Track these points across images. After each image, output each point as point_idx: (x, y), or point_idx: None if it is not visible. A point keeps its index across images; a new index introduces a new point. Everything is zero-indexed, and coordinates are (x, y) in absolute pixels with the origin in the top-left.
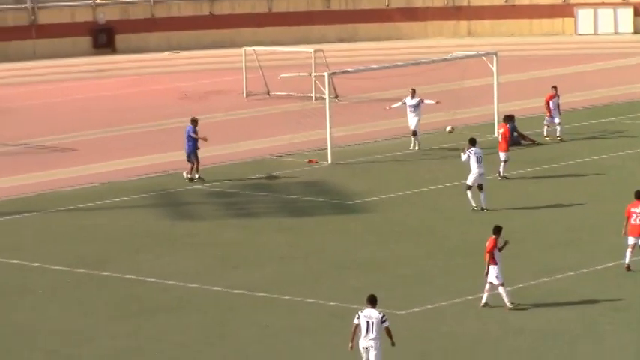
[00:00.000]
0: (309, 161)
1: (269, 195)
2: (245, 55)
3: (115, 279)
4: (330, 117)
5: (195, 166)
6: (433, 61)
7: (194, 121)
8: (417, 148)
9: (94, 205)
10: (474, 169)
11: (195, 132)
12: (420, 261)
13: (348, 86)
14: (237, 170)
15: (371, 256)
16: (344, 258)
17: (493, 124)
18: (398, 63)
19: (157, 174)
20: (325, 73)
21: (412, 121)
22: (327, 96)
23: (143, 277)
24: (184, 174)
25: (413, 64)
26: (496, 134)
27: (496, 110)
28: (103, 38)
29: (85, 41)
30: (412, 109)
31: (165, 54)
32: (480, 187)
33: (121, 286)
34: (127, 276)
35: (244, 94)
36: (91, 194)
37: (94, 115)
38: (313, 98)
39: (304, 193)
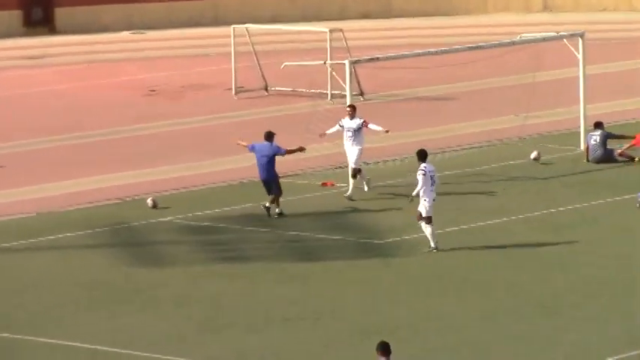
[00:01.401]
0: (324, 184)
1: (268, 230)
2: (234, 35)
3: (49, 347)
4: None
5: (277, 197)
6: (495, 46)
7: (271, 136)
8: (365, 188)
9: (26, 243)
10: (428, 194)
11: (281, 150)
12: (478, 324)
13: (378, 80)
14: (223, 196)
15: (407, 318)
16: (369, 320)
17: (578, 133)
18: (446, 48)
19: (113, 201)
20: (346, 61)
21: (351, 152)
22: (348, 93)
23: (88, 345)
24: (265, 204)
25: (467, 49)
26: (582, 147)
27: (582, 113)
28: (38, 13)
29: (13, 16)
30: (351, 134)
31: (125, 34)
32: (429, 219)
33: (57, 359)
34: (67, 343)
35: (233, 91)
36: (21, 228)
37: (24, 119)
38: (329, 96)
39: (316, 228)
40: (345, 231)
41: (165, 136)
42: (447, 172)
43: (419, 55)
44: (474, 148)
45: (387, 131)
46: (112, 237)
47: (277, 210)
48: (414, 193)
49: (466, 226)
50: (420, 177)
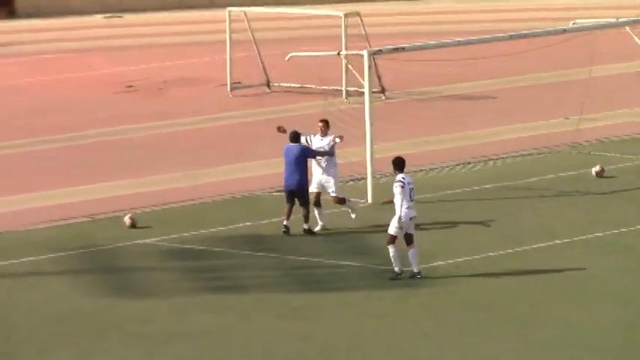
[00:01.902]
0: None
1: (268, 255)
2: (230, 20)
3: None
4: (372, 125)
5: (307, 211)
6: (543, 34)
7: (297, 137)
8: (353, 216)
9: None
10: (404, 209)
11: (310, 151)
12: None
13: (402, 74)
14: (214, 213)
15: (435, 359)
16: None
17: None
18: (483, 37)
19: (83, 219)
20: (364, 52)
21: (324, 179)
22: (366, 90)
23: None
24: (284, 222)
25: (509, 38)
26: None
27: None
28: None
29: None
30: (321, 157)
31: (98, 18)
32: (410, 239)
33: None
34: None
35: (228, 87)
36: None
37: None
38: (344, 94)
39: (328, 253)
40: (362, 256)
41: (146, 141)
42: (485, 186)
43: (452, 45)
44: (517, 157)
45: (340, 137)
46: (82, 262)
47: (306, 226)
48: (393, 202)
49: (510, 250)
50: (396, 189)
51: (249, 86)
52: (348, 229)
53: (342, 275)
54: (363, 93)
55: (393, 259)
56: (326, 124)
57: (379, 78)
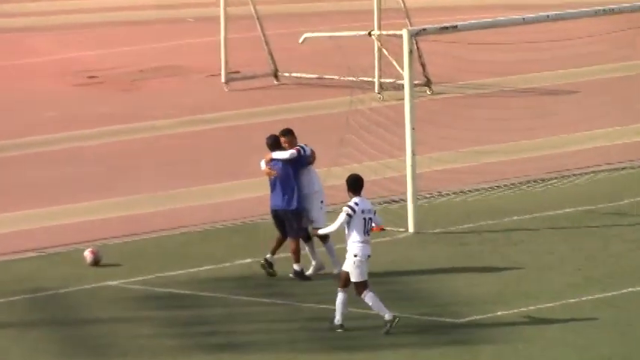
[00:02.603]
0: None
1: (275, 301)
2: None
3: None
4: (413, 130)
5: (297, 245)
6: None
7: (276, 142)
8: (335, 271)
9: None
10: (357, 244)
11: (305, 154)
12: None
13: (453, 61)
14: (202, 247)
15: None
16: None
17: None
18: (559, 12)
19: (29, 254)
20: (404, 32)
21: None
22: (406, 82)
23: None
24: (267, 256)
25: (594, 14)
26: None
27: None
28: None
29: None
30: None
31: None
32: (345, 282)
33: None
34: None
35: (222, 78)
36: None
37: None
38: (376, 87)
39: (356, 300)
40: (400, 303)
41: (112, 150)
42: (564, 210)
43: (518, 23)
44: (604, 171)
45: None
46: (28, 311)
47: (296, 267)
48: (322, 232)
49: (597, 295)
50: (341, 216)
51: (251, 77)
52: (382, 269)
53: (375, 329)
54: (401, 86)
55: (340, 307)
56: (289, 134)
57: (423, 66)
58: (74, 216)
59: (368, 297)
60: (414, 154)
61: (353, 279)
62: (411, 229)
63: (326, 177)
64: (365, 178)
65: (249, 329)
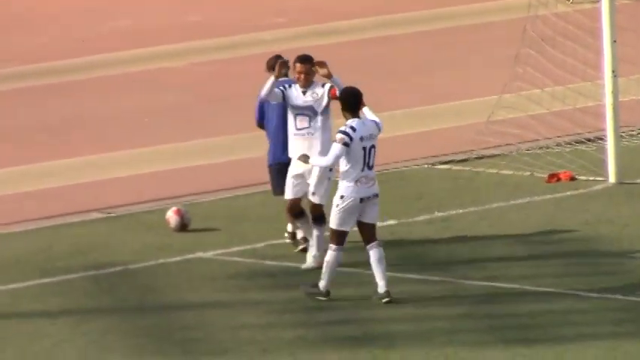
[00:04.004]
0: (551, 177)
1: (436, 280)
2: None
3: None
4: (615, 43)
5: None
6: None
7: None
8: (309, 262)
9: None
10: (349, 182)
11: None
12: None
13: None
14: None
15: None
16: None
17: None
18: None
19: (86, 215)
20: None
21: (303, 166)
22: None
23: None
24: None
25: None
26: None
27: None
28: None
29: None
30: (307, 124)
31: None
32: (372, 233)
33: None
34: None
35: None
36: None
37: None
38: None
39: (530, 277)
40: (598, 278)
41: (204, 74)
42: None
43: None
44: None
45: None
46: (91, 293)
47: (303, 249)
48: (318, 163)
49: None
50: (334, 148)
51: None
52: (572, 233)
53: (584, 312)
54: None
55: (324, 270)
56: (309, 65)
57: None
58: (152, 164)
59: (331, 254)
60: (615, 75)
61: (330, 224)
62: (611, 178)
63: (495, 108)
64: (548, 108)
65: (393, 315)
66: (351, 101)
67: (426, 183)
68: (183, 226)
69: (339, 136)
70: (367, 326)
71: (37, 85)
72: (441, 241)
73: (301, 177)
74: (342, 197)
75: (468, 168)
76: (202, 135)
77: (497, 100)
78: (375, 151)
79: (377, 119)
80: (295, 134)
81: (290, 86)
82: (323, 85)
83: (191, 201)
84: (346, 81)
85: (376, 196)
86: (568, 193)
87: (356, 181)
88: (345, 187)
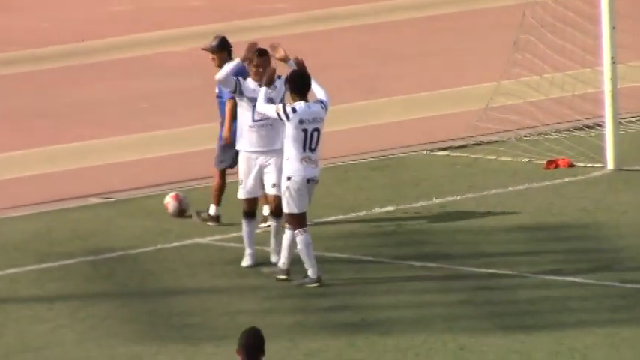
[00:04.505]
0: (549, 163)
1: (434, 266)
2: None
3: None
4: (614, 29)
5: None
6: None
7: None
8: (273, 259)
9: None
10: (295, 162)
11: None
12: None
13: None
14: (337, 189)
15: None
16: None
17: None
18: None
19: (85, 200)
20: None
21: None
22: None
23: None
24: (208, 212)
25: None
26: None
27: None
28: None
29: None
30: (258, 116)
31: None
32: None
33: None
34: None
35: None
36: None
37: None
38: None
39: (532, 263)
40: (597, 265)
41: (202, 59)
42: None
43: None
44: None
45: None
46: (90, 278)
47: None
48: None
49: None
50: (267, 107)
51: None
52: (570, 220)
53: (582, 299)
54: None
55: (304, 257)
56: (264, 57)
57: None
58: (152, 149)
59: (300, 240)
60: (614, 61)
61: (285, 209)
62: (610, 164)
63: (493, 94)
64: (547, 95)
65: (391, 302)
66: (298, 84)
67: (425, 169)
68: (181, 212)
69: (279, 105)
70: (365, 312)
71: (37, 69)
72: (439, 227)
73: (256, 172)
74: (289, 178)
75: (466, 154)
76: (202, 120)
77: (495, 87)
78: (318, 135)
79: (324, 97)
80: (251, 126)
81: (245, 78)
82: (279, 77)
83: (190, 187)
84: (347, 67)
85: (317, 182)
86: (566, 179)
87: (300, 160)
88: (290, 167)
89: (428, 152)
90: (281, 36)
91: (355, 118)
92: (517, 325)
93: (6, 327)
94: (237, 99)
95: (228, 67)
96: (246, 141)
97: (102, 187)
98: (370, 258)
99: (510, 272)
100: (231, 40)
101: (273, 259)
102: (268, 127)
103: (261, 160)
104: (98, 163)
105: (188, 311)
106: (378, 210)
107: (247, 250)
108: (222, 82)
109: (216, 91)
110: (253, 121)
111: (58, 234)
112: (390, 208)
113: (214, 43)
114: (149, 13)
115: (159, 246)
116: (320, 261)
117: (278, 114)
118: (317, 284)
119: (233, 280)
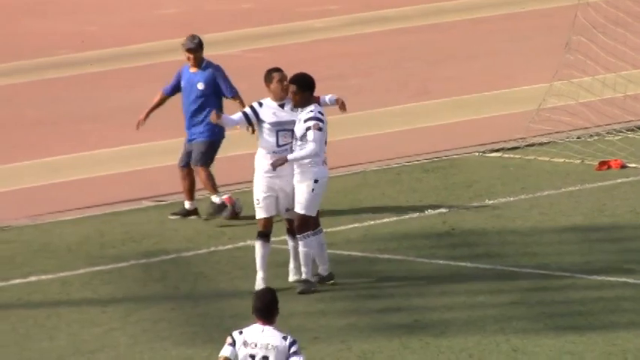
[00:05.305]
0: (601, 164)
1: (487, 267)
2: None
3: None
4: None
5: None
6: None
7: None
8: (303, 275)
9: None
10: (320, 165)
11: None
12: None
13: None
14: (386, 189)
15: None
16: None
17: None
18: None
19: (137, 203)
20: None
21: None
22: None
23: None
24: (213, 200)
25: None
26: None
27: None
28: None
29: None
30: (289, 138)
31: None
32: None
33: None
34: None
35: None
36: None
37: None
38: None
39: (578, 264)
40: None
41: (251, 62)
42: None
43: None
44: None
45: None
46: (143, 281)
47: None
48: (304, 154)
49: None
50: (313, 134)
51: None
52: (615, 222)
53: (634, 300)
54: None
55: (316, 259)
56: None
57: None
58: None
59: (313, 240)
60: None
61: (304, 211)
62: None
63: (545, 95)
64: (598, 96)
65: (444, 303)
66: (312, 87)
67: (477, 171)
68: (234, 214)
69: (314, 122)
70: (419, 314)
71: (86, 73)
72: (491, 229)
73: (274, 193)
74: (316, 181)
75: (518, 156)
76: None
77: (547, 88)
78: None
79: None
80: (276, 152)
81: (261, 105)
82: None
83: (243, 189)
84: (397, 69)
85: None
86: (618, 180)
87: (324, 162)
88: (317, 170)
89: (480, 154)
90: (331, 38)
91: (407, 120)
92: (569, 326)
93: (59, 330)
94: (255, 126)
95: (234, 119)
96: (267, 165)
97: (154, 190)
98: (423, 259)
99: (563, 273)
100: (284, 42)
101: (291, 278)
102: (290, 152)
103: (278, 182)
104: (149, 166)
105: (240, 314)
106: (430, 212)
107: (260, 274)
108: (225, 126)
109: (201, 87)
110: (278, 146)
111: (110, 237)
112: (442, 210)
113: (196, 41)
114: (198, 16)
115: (211, 248)
116: (373, 262)
117: (319, 129)
118: (331, 282)
119: (285, 282)
